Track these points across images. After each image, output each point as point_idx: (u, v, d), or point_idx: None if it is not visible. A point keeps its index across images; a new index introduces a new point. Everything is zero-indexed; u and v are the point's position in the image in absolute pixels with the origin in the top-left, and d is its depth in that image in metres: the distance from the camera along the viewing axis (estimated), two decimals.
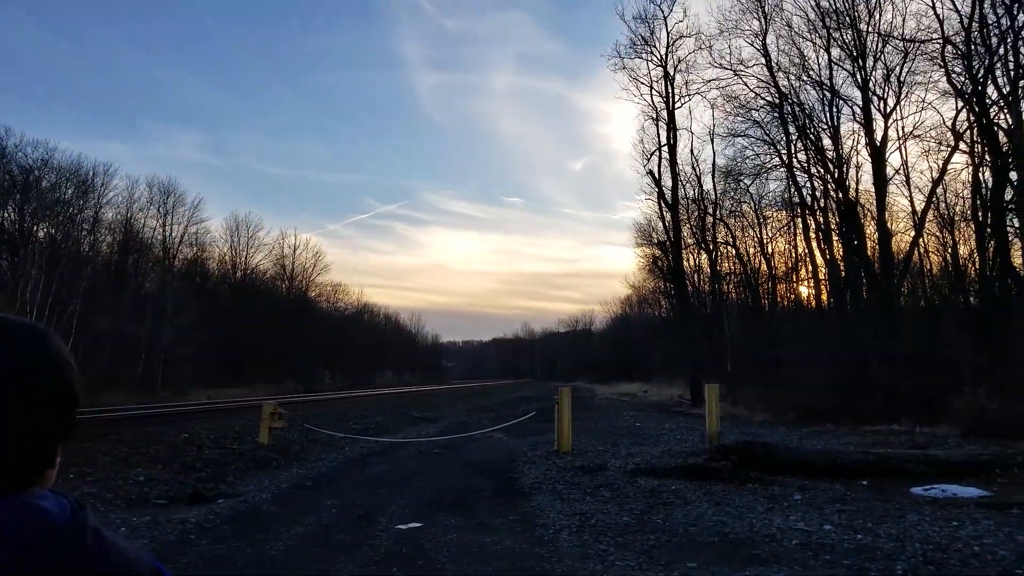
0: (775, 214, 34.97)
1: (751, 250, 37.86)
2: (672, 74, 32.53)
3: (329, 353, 64.23)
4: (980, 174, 23.56)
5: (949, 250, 25.88)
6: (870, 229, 27.13)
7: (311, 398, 30.90)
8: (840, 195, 27.28)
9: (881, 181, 25.95)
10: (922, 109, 26.56)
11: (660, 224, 37.40)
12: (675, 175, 31.77)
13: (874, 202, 26.47)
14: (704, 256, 40.17)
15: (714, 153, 52.18)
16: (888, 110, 26.47)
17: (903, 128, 26.95)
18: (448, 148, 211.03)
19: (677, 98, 32.35)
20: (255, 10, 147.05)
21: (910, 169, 26.83)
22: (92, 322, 35.13)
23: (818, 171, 28.76)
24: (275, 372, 51.74)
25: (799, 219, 31.09)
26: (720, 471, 10.35)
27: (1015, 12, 21.75)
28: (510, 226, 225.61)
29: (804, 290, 34.93)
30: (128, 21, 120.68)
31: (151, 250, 48.70)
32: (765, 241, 36.64)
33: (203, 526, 7.25)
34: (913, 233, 25.59)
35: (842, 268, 27.71)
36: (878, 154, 26.09)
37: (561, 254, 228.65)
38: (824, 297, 30.51)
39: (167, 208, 49.65)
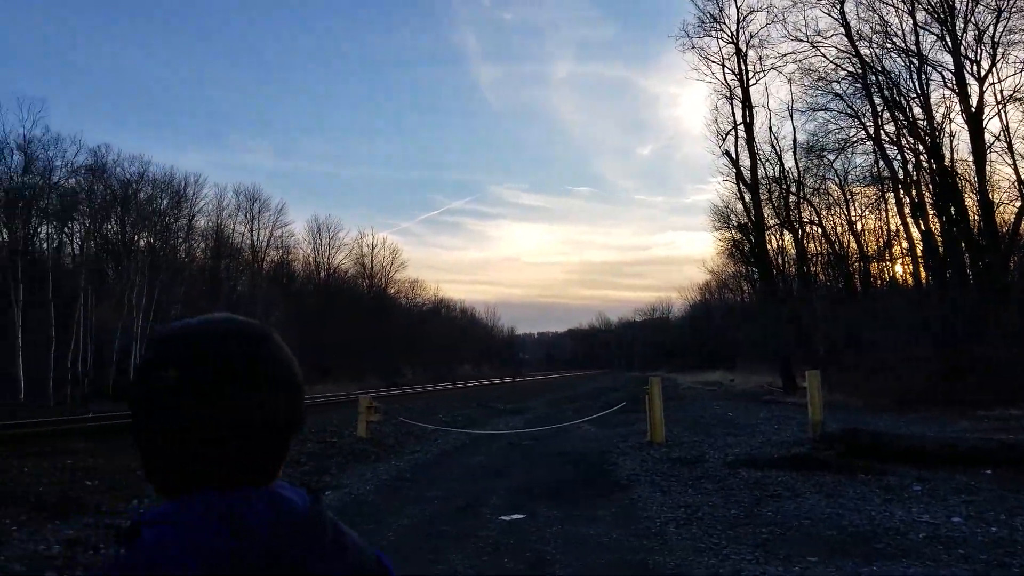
0: (862, 190, 33.57)
1: (839, 229, 36.48)
2: (744, 50, 31.55)
3: (409, 348, 65.42)
4: None
5: None
6: (970, 201, 25.69)
7: (396, 392, 31.51)
8: (935, 166, 25.93)
9: (980, 149, 24.53)
10: (1022, 71, 24.94)
11: (739, 206, 36.38)
12: (753, 154, 30.81)
13: (973, 172, 25.06)
14: (787, 237, 38.96)
15: (794, 129, 50.19)
16: (983, 74, 25.00)
17: (1001, 92, 25.35)
18: (512, 140, 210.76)
19: (751, 75, 31.38)
20: (315, 17, 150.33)
21: (1012, 136, 25.27)
22: None
23: (909, 142, 27.43)
24: (359, 368, 53.07)
25: (890, 194, 29.72)
26: (827, 461, 9.96)
27: None
28: (578, 215, 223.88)
29: (899, 268, 33.43)
30: (199, 37, 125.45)
31: (241, 254, 50.65)
32: (853, 219, 35.25)
33: None
34: (1020, 203, 24.11)
35: (940, 243, 26.33)
36: (975, 121, 24.66)
37: (631, 241, 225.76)
38: (922, 275, 29.08)
39: (253, 214, 51.58)
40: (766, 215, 32.05)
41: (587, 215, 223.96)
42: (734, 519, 7.09)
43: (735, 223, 38.29)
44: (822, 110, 29.85)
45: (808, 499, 7.95)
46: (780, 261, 38.76)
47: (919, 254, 27.85)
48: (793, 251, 40.36)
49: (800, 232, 33.15)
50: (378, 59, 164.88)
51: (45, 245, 37.68)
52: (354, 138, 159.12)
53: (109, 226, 39.68)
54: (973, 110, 24.77)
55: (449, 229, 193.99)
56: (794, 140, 32.71)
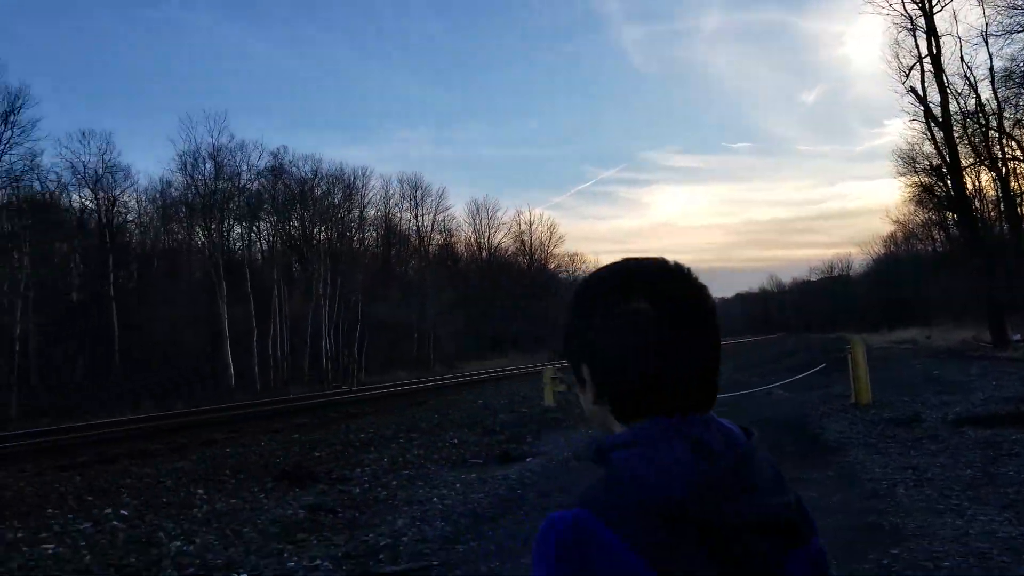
0: None
1: None
2: None
3: None
4: None
5: None
6: None
7: (553, 366, 31.85)
8: None
9: None
10: None
11: (927, 147, 33.10)
12: (943, 88, 27.91)
13: None
14: (985, 177, 35.22)
15: (990, 57, 44.97)
16: None
17: None
18: (662, 102, 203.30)
19: (936, 1, 28.38)
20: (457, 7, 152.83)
21: None
22: (371, 310, 39.15)
23: None
24: (527, 342, 54.18)
25: None
26: None
27: None
28: (738, 173, 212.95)
29: None
30: (358, 33, 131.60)
31: (408, 240, 53.07)
32: None
33: (524, 482, 7.70)
34: None
35: None
36: None
37: (800, 196, 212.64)
38: None
39: (416, 200, 53.73)
40: (961, 154, 29.04)
41: (748, 172, 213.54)
42: (970, 480, 6.57)
43: (924, 166, 35.05)
44: (1023, 31, 26.56)
45: None
46: (979, 204, 35.14)
47: None
48: (993, 192, 36.52)
49: (1004, 170, 29.80)
50: (525, 35, 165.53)
51: (238, 244, 41.49)
52: (505, 118, 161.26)
53: (292, 222, 42.90)
54: None
55: (602, 199, 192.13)
56: (990, 69, 29.38)
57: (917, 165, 41.18)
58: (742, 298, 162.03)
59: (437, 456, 9.58)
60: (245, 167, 38.40)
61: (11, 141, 29.92)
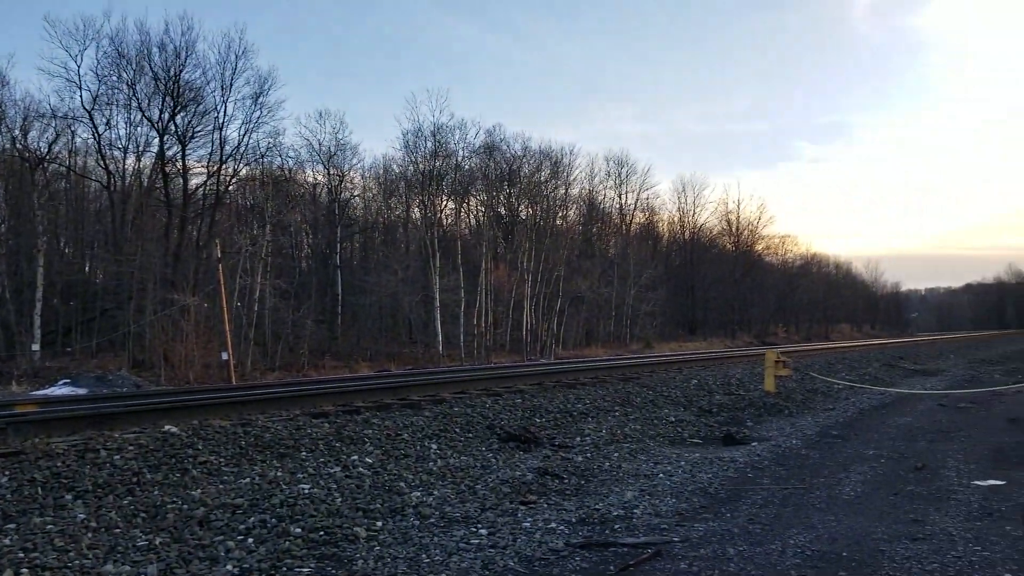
0: None
1: None
2: None
3: (780, 306, 62.54)
4: None
5: None
6: None
7: (779, 349, 30.27)
8: None
9: None
10: None
11: None
12: None
13: None
14: None
15: None
16: None
17: None
18: (888, 73, 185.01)
19: None
20: None
21: None
22: (571, 286, 39.60)
23: None
24: (728, 326, 52.23)
25: None
26: None
27: None
28: (971, 148, 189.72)
29: None
30: (571, 21, 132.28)
31: (610, 218, 52.92)
32: None
33: (755, 466, 7.37)
34: None
35: None
36: None
37: None
38: None
39: (621, 178, 53.32)
40: None
41: (987, 146, 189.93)
42: None
43: None
44: None
45: None
46: None
47: None
48: None
49: None
50: (733, 4, 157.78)
51: (450, 219, 43.58)
52: (714, 93, 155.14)
53: (501, 199, 44.31)
54: None
55: (815, 178, 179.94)
56: None
57: None
58: (971, 289, 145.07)
59: (654, 432, 9.45)
60: (462, 145, 40.17)
61: (259, 120, 33.34)
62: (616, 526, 5.46)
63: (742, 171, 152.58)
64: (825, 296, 74.33)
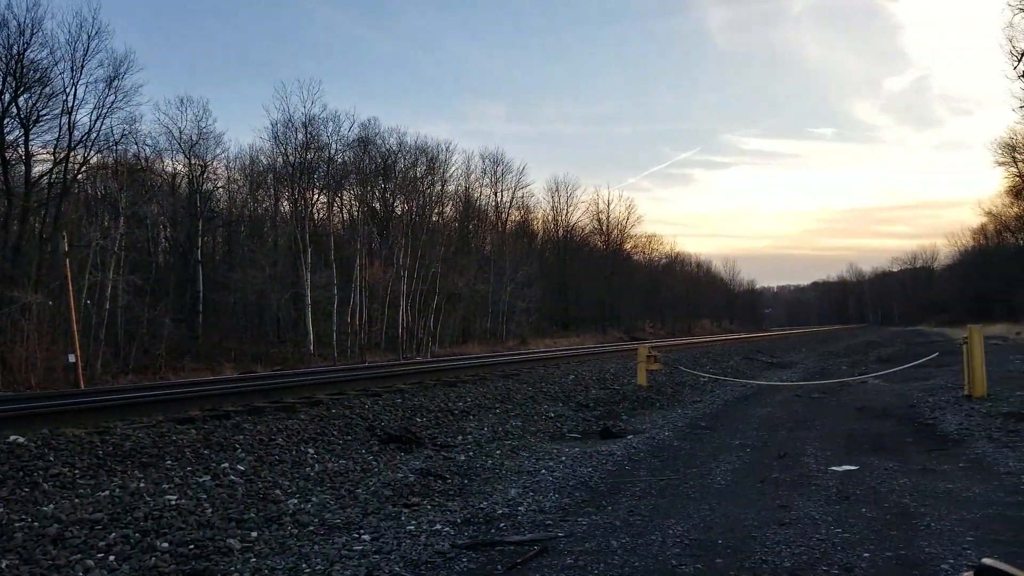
0: None
1: None
2: None
3: (647, 303, 65.17)
4: None
5: None
6: None
7: (649, 344, 31.48)
8: None
9: None
10: None
11: None
12: None
13: None
14: None
15: None
16: None
17: None
18: (745, 85, 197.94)
19: None
20: None
21: None
22: (447, 283, 39.50)
23: None
24: (599, 322, 53.85)
25: None
26: None
27: None
28: (820, 160, 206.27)
29: None
30: (438, 8, 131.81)
31: (486, 216, 53.20)
32: None
33: (632, 459, 7.59)
34: None
35: None
36: None
37: (883, 185, 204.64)
38: None
39: (497, 176, 53.72)
40: None
41: (830, 158, 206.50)
42: None
43: None
44: None
45: None
46: None
47: None
48: None
49: None
50: (606, 13, 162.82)
51: (321, 213, 42.31)
52: (584, 96, 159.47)
53: (376, 194, 43.50)
54: None
55: (678, 181, 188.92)
56: None
57: (1018, 154, 38.97)
58: (818, 287, 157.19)
59: (535, 428, 9.55)
60: (335, 138, 39.04)
61: (113, 105, 31.02)
62: (501, 524, 5.45)
63: (612, 172, 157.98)
64: (688, 293, 78.26)
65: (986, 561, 0.93)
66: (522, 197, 55.75)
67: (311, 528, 5.45)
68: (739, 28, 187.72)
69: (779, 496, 5.97)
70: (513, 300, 44.36)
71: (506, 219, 54.68)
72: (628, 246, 67.53)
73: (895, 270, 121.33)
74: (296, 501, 6.14)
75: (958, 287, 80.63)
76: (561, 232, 61.10)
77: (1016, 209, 51.32)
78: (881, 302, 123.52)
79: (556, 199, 61.08)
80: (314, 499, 6.20)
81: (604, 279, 57.02)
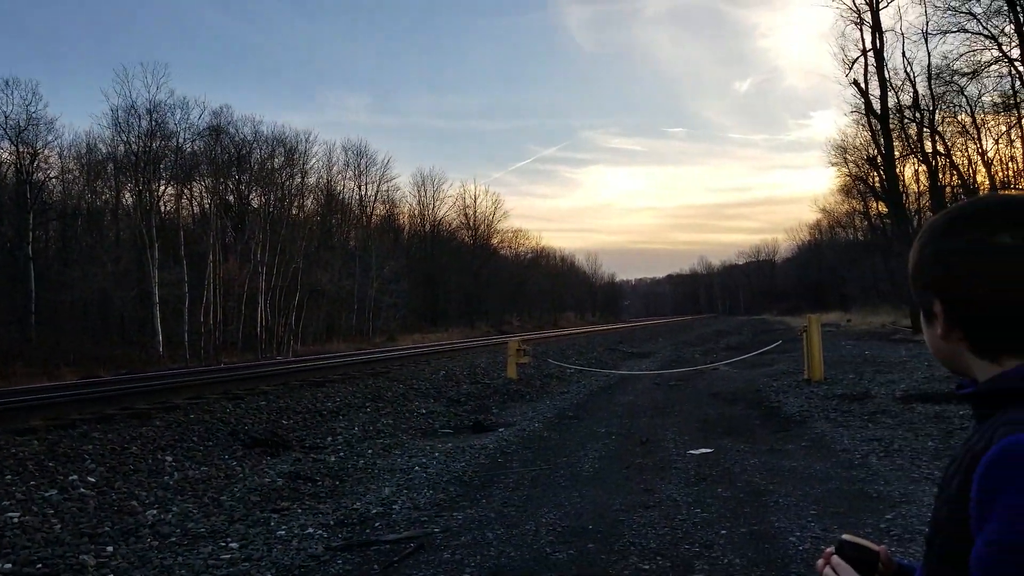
0: (994, 118, 31.32)
1: (968, 159, 34.30)
2: None
3: (513, 296, 66.19)
4: None
5: None
6: None
7: (518, 338, 31.97)
8: None
9: None
10: None
11: (859, 139, 34.35)
12: (883, 82, 28.87)
13: None
14: (910, 170, 36.71)
15: (929, 55, 46.29)
16: None
17: None
18: (603, 83, 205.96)
19: None
20: None
21: None
22: (310, 279, 38.31)
23: None
24: (468, 317, 54.14)
25: None
26: None
27: None
28: (674, 158, 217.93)
29: None
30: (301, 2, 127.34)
31: (349, 209, 51.98)
32: (985, 149, 32.95)
33: (504, 451, 7.72)
34: None
35: None
36: None
37: (732, 182, 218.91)
38: None
39: (360, 169, 52.58)
40: (895, 147, 30.22)
41: (684, 157, 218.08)
42: (935, 451, 6.89)
43: (857, 157, 36.37)
44: (958, 31, 27.68)
45: None
46: (904, 196, 36.70)
47: None
48: (914, 186, 38.20)
49: (934, 163, 31.19)
50: (468, 5, 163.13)
51: (170, 206, 39.82)
52: (448, 90, 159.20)
53: (229, 185, 41.44)
54: None
55: (542, 177, 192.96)
56: (928, 66, 30.57)
57: (849, 156, 42.79)
58: (672, 279, 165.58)
59: (407, 425, 9.50)
60: (184, 125, 36.78)
61: None
62: (376, 524, 5.40)
63: (478, 167, 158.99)
64: (553, 286, 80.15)
65: (845, 537, 1.03)
66: (387, 191, 55.00)
67: (173, 539, 5.19)
68: (597, 27, 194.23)
69: (643, 480, 6.27)
70: (380, 296, 43.70)
71: (371, 213, 53.72)
72: (495, 241, 68.34)
73: (741, 263, 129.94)
74: (155, 512, 5.83)
75: (796, 278, 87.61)
76: (428, 227, 60.85)
77: (846, 206, 56.19)
78: (729, 293, 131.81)
79: (423, 193, 60.78)
80: (175, 508, 5.91)
81: (472, 274, 57.35)
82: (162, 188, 37.58)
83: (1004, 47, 26.73)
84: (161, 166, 36.46)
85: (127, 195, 38.55)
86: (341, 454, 7.83)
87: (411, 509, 5.73)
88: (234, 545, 4.99)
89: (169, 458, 7.34)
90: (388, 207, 55.70)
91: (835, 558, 1.04)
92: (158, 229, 33.65)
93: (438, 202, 61.39)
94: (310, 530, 5.31)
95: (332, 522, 5.49)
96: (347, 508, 5.85)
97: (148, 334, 32.56)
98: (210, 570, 4.50)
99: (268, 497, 6.28)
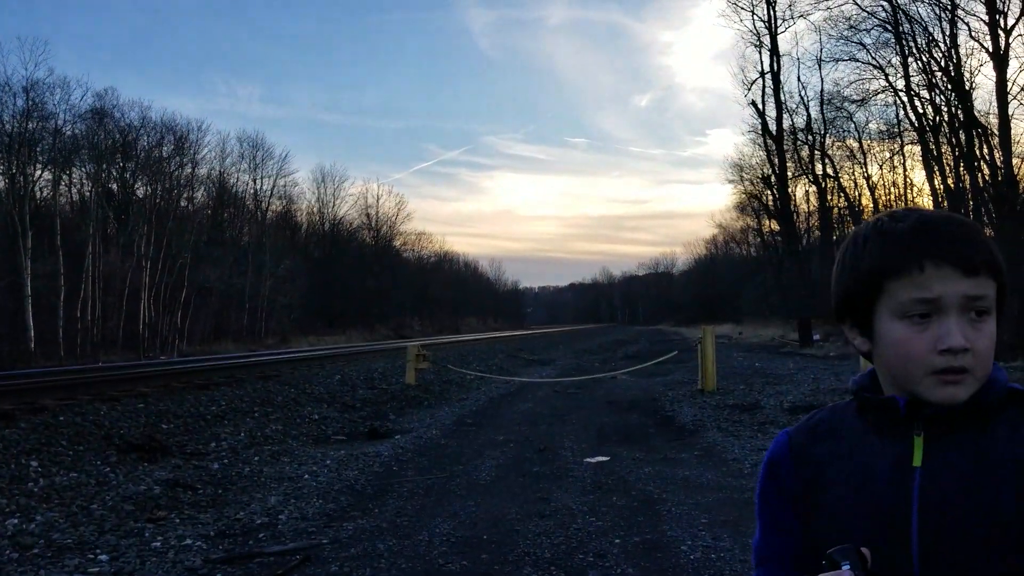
0: (879, 145, 33.58)
1: (855, 182, 36.59)
2: None
3: (416, 301, 65.54)
4: None
5: None
6: (995, 153, 25.58)
7: (418, 342, 31.60)
8: (962, 117, 25.72)
9: (1004, 101, 24.33)
10: None
11: (755, 159, 36.01)
12: (779, 104, 30.36)
13: (996, 125, 24.89)
14: (801, 190, 38.83)
15: (821, 79, 48.90)
16: (1009, 25, 24.63)
17: None
18: (506, 89, 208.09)
19: (780, 22, 30.78)
20: None
21: None
22: (200, 275, 36.64)
23: (940, 87, 27.12)
24: (367, 319, 53.14)
25: (916, 145, 29.55)
26: None
27: None
28: (576, 168, 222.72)
29: None
30: None
31: (243, 204, 50.06)
32: (870, 173, 35.26)
33: (399, 459, 7.53)
34: None
35: (969, 196, 26.29)
36: (1001, 71, 24.41)
37: (631, 195, 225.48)
38: None
39: (256, 162, 50.72)
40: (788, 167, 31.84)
41: (585, 167, 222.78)
42: None
43: (752, 176, 38.08)
44: (849, 60, 29.44)
45: None
46: (795, 215, 38.73)
47: (943, 206, 27.76)
48: (804, 206, 40.40)
49: (824, 185, 33.03)
50: (367, 3, 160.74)
51: (45, 192, 37.17)
52: (343, 85, 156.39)
53: (113, 173, 39.06)
54: (1001, 54, 24.44)
55: (444, 180, 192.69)
56: (821, 91, 32.35)
57: (745, 174, 44.78)
58: (574, 288, 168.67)
59: (297, 432, 9.14)
60: (64, 107, 34.43)
61: None
62: (261, 535, 5.13)
63: (379, 167, 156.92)
64: (456, 291, 79.97)
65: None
66: (285, 186, 53.21)
67: (36, 551, 4.77)
68: (500, 33, 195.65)
69: (540, 489, 6.24)
70: (274, 295, 42.25)
71: (267, 208, 51.92)
72: (398, 243, 67.55)
73: (641, 274, 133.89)
74: (17, 521, 5.35)
75: (692, 291, 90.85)
76: (328, 225, 59.46)
77: (741, 223, 58.77)
78: (628, 303, 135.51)
79: (322, 190, 59.30)
80: (39, 518, 5.44)
81: (373, 276, 56.37)
82: (38, 173, 35.00)
83: (891, 77, 28.63)
84: (38, 149, 34.04)
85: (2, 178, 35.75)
86: (225, 461, 7.43)
87: (299, 519, 5.47)
88: (103, 557, 4.64)
89: (34, 463, 6.75)
90: (285, 203, 54.03)
91: None
92: (32, 216, 31.34)
93: (338, 200, 60.15)
94: (188, 541, 4.98)
95: (213, 533, 5.18)
96: (230, 518, 5.53)
97: (19, 329, 30.25)
98: None
99: (143, 506, 5.87)
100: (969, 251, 0.90)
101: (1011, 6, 24.56)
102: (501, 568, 4.32)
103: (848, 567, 0.88)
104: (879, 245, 0.94)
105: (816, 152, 32.81)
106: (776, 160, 30.19)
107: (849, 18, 28.41)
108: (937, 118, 27.03)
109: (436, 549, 4.69)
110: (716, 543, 4.63)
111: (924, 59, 26.63)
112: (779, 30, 30.17)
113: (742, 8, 31.32)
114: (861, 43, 28.54)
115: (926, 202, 30.51)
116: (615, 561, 4.38)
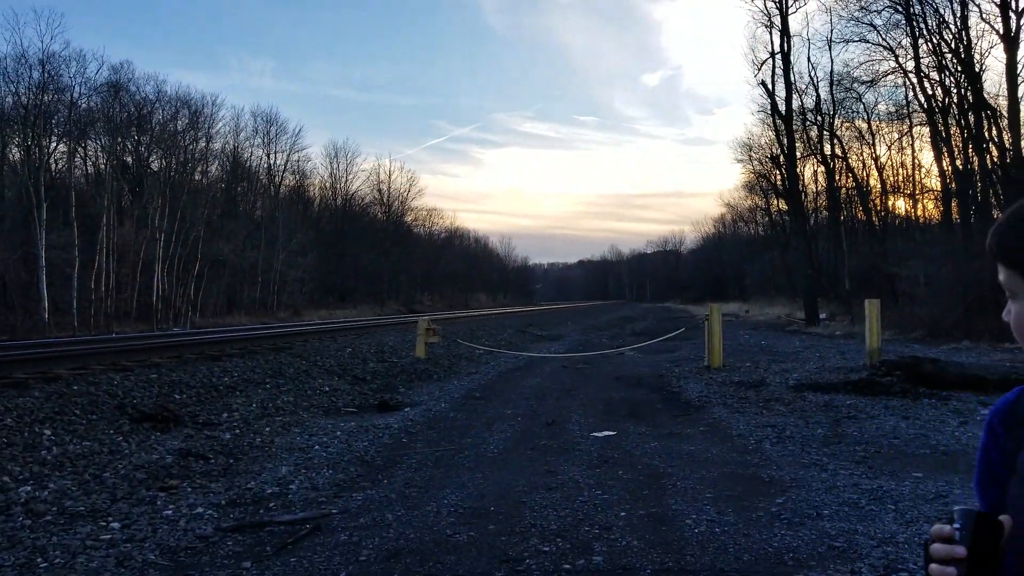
0: (888, 126, 33.26)
1: (863, 163, 36.26)
2: None
3: (426, 276, 65.66)
4: None
5: None
6: (1004, 135, 25.28)
7: (428, 317, 31.70)
8: (971, 99, 25.38)
9: (1014, 83, 23.98)
10: None
11: (764, 138, 35.71)
12: (789, 85, 30.04)
13: (1006, 106, 24.56)
14: (810, 170, 38.53)
15: (832, 61, 48.42)
16: (1021, 7, 24.17)
17: None
18: (517, 67, 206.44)
19: (791, 3, 30.34)
20: None
21: None
22: (214, 248, 36.80)
23: (950, 69, 26.75)
24: (378, 294, 53.36)
25: (917, 127, 29.21)
26: (889, 386, 10.09)
27: None
28: (586, 146, 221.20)
29: (928, 204, 33.15)
30: None
31: (257, 178, 50.13)
32: (878, 154, 34.91)
33: (408, 431, 7.60)
34: None
35: (977, 177, 26.01)
36: (1011, 53, 24.03)
37: (640, 173, 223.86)
38: (955, 209, 28.79)
39: (270, 137, 50.73)
40: (797, 147, 31.57)
41: (595, 145, 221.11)
42: (823, 438, 7.22)
43: (761, 155, 37.76)
44: (859, 41, 29.06)
45: (886, 420, 8.07)
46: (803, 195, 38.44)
47: (935, 188, 27.53)
48: (812, 186, 40.07)
49: (832, 165, 32.75)
50: None
51: (60, 164, 37.33)
52: (356, 62, 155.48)
53: (128, 146, 39.18)
54: (1012, 36, 24.04)
55: (455, 157, 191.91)
56: (831, 72, 31.94)
57: (754, 154, 44.41)
58: (583, 265, 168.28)
59: (308, 403, 9.24)
60: (80, 80, 34.46)
61: None
62: (271, 504, 5.21)
63: (391, 142, 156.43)
64: (466, 267, 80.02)
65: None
66: (298, 161, 53.27)
67: (48, 518, 4.86)
68: (510, 11, 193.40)
69: (547, 462, 6.30)
70: (286, 269, 42.43)
71: (280, 183, 51.99)
72: (409, 219, 67.47)
73: (649, 252, 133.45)
74: (30, 488, 5.44)
75: (700, 269, 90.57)
76: (340, 200, 59.46)
77: (750, 202, 58.40)
78: (637, 280, 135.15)
79: (335, 166, 59.27)
80: (52, 485, 5.53)
81: (384, 251, 56.44)
82: (53, 145, 35.17)
83: (900, 59, 28.31)
84: (53, 121, 34.16)
85: (14, 150, 35.90)
86: (237, 431, 7.53)
87: (309, 489, 5.56)
88: (115, 525, 4.72)
89: (48, 432, 6.87)
90: (298, 178, 54.08)
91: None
92: (47, 188, 31.52)
93: (351, 176, 60.15)
94: (200, 510, 5.07)
95: (224, 502, 5.26)
96: (241, 487, 5.62)
97: (33, 300, 30.53)
98: (87, 551, 4.23)
99: (155, 475, 5.97)
100: None
101: None
102: (508, 539, 4.38)
103: (957, 526, 0.89)
104: None
105: (825, 132, 32.51)
106: (785, 140, 29.93)
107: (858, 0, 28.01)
108: (946, 99, 26.71)
109: (444, 520, 4.75)
110: (720, 517, 4.67)
111: (934, 40, 26.27)
112: (790, 10, 29.78)
113: None
114: (872, 24, 28.18)
115: (934, 183, 30.24)
116: (620, 534, 4.43)
